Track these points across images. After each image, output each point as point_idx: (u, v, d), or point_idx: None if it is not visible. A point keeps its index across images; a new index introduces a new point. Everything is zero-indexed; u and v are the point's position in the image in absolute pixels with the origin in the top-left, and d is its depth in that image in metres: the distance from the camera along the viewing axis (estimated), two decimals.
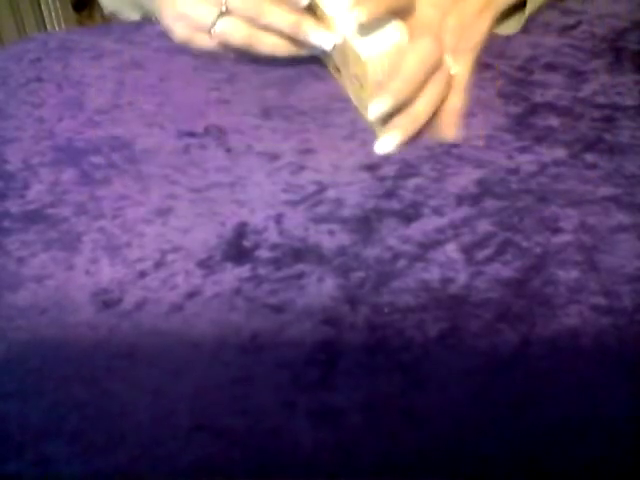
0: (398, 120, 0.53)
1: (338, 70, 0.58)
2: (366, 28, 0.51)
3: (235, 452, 0.38)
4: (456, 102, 0.55)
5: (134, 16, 0.73)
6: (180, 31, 0.61)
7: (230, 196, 0.52)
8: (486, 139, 0.56)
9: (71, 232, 0.50)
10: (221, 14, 0.57)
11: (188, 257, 0.48)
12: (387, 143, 0.53)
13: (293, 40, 0.57)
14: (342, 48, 0.54)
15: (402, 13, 0.52)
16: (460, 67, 0.54)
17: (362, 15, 0.50)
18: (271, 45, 0.58)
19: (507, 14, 0.64)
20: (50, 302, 0.46)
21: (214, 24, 0.58)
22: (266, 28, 0.57)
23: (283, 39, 0.57)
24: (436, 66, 0.52)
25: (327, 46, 0.55)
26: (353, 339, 0.43)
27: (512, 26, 0.65)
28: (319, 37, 0.55)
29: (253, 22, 0.57)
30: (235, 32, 0.58)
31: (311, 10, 0.56)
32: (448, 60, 0.53)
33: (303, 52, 0.58)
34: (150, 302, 0.45)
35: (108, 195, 0.53)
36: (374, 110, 0.51)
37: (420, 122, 0.53)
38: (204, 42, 0.60)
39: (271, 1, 0.56)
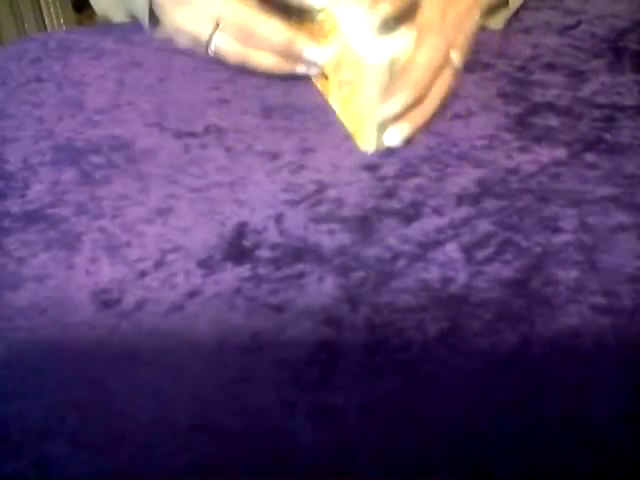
0: (408, 115, 0.53)
1: (323, 76, 0.58)
2: (379, 30, 0.52)
3: (235, 452, 0.38)
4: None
5: (122, 18, 0.72)
6: (183, 43, 0.61)
7: (230, 196, 0.52)
8: (486, 139, 0.56)
9: (71, 232, 0.50)
10: (215, 30, 0.57)
11: (188, 257, 0.48)
12: (395, 136, 0.53)
13: (286, 57, 0.57)
14: (336, 55, 0.55)
15: (410, 12, 0.53)
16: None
17: (383, 12, 0.51)
18: (265, 63, 0.58)
19: (493, 10, 0.65)
20: (50, 302, 0.46)
21: (210, 41, 0.58)
22: (259, 45, 0.57)
23: (277, 57, 0.57)
24: (445, 62, 0.53)
25: (321, 60, 0.56)
26: (353, 339, 0.43)
27: (498, 22, 0.67)
28: (313, 52, 0.56)
29: (246, 40, 0.57)
30: (229, 49, 0.58)
31: (300, 23, 0.56)
32: (453, 55, 0.54)
33: (298, 70, 0.58)
34: (150, 302, 0.45)
35: (108, 195, 0.53)
36: (388, 109, 0.52)
37: (428, 115, 0.54)
38: (207, 54, 0.60)
39: (264, 19, 0.56)
